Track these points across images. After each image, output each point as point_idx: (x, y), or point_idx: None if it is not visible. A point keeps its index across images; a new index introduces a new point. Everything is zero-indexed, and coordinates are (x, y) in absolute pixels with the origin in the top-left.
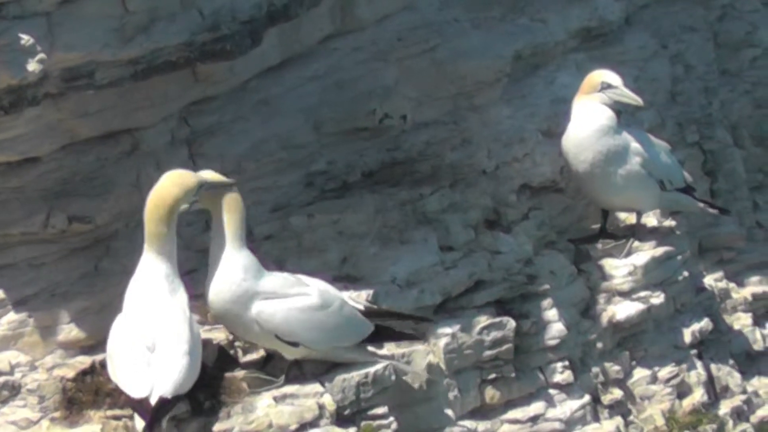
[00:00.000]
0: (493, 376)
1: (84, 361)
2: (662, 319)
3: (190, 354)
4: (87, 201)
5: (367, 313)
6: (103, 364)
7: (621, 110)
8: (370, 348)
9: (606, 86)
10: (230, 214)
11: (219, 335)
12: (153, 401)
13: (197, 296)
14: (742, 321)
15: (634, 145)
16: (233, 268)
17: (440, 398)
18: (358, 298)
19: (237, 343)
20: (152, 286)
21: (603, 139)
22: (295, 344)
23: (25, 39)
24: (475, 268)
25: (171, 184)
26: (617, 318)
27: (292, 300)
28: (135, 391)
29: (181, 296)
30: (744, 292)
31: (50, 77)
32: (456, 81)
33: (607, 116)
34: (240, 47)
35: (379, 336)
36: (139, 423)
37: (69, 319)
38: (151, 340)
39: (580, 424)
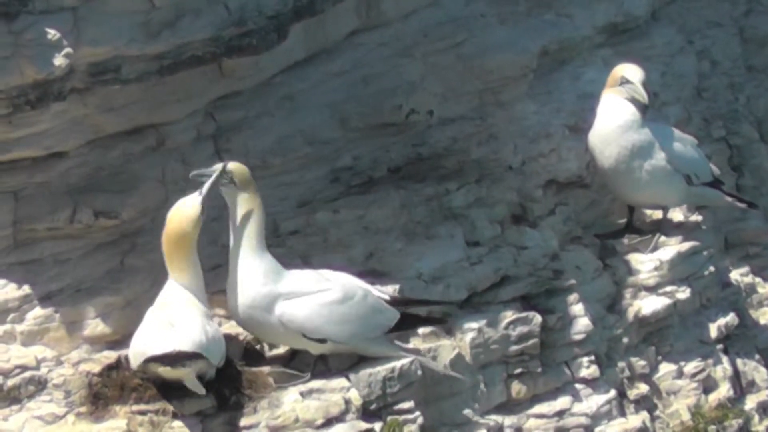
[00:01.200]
0: (519, 370)
1: (109, 356)
2: (688, 314)
3: (209, 330)
4: (113, 196)
5: (393, 302)
6: (128, 359)
7: (647, 105)
8: (398, 342)
9: (625, 81)
10: (247, 214)
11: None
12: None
13: (222, 291)
14: (767, 316)
15: (659, 141)
16: (252, 274)
17: (466, 393)
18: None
19: None
20: (173, 301)
21: (627, 134)
22: (322, 341)
23: (52, 33)
24: (500, 263)
25: (181, 218)
26: (643, 313)
27: (314, 297)
28: (158, 350)
29: (202, 306)
30: None
31: (76, 72)
32: (482, 76)
33: (630, 111)
34: (266, 42)
35: (406, 323)
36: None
37: (95, 314)
38: (171, 320)
39: (606, 419)
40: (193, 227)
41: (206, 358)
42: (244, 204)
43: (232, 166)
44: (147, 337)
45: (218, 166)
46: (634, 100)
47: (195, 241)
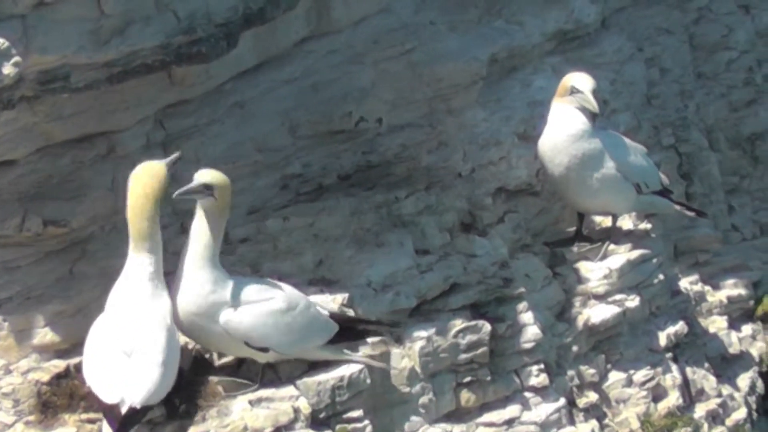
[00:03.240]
0: (468, 379)
1: (59, 364)
2: (637, 322)
3: (165, 364)
4: (62, 204)
5: (332, 317)
6: (78, 368)
7: (597, 114)
8: (345, 351)
9: (575, 90)
10: (211, 224)
11: None
12: (123, 410)
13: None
14: (717, 324)
15: (610, 149)
16: (199, 282)
17: (415, 401)
18: (333, 302)
19: None
20: (136, 288)
21: (578, 143)
22: (265, 350)
23: (0, 42)
24: (450, 271)
25: (147, 176)
26: (592, 321)
27: (259, 306)
28: (107, 396)
29: (164, 301)
30: (719, 295)
31: (26, 80)
32: (432, 84)
33: (581, 120)
34: (215, 50)
35: (345, 335)
36: (107, 429)
37: (44, 322)
38: (129, 346)
39: (556, 428)
40: (160, 184)
41: (154, 404)
42: (213, 214)
43: (214, 179)
44: (98, 366)
45: (200, 180)
46: (583, 109)
47: (158, 205)
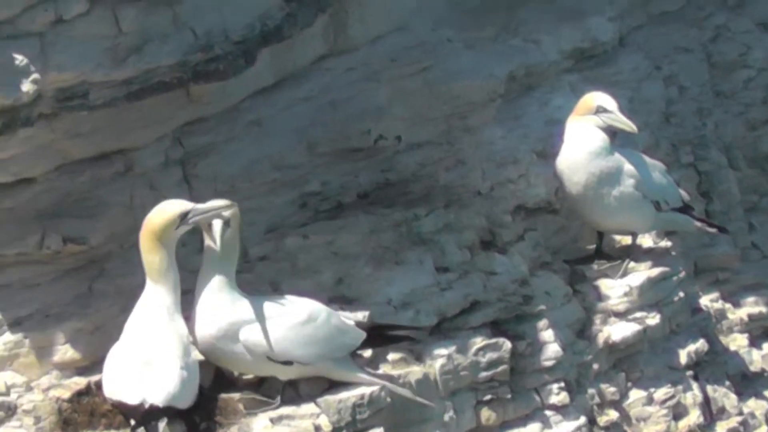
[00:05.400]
0: (488, 397)
1: (79, 382)
2: (658, 340)
3: (185, 371)
4: (81, 222)
5: (359, 326)
6: (98, 385)
7: (615, 132)
8: (367, 369)
9: (602, 110)
10: (224, 249)
11: None
12: (145, 407)
13: (187, 318)
14: (737, 342)
15: (628, 167)
16: (216, 304)
17: (436, 419)
18: (353, 320)
19: None
20: (152, 315)
21: (596, 161)
22: (288, 363)
23: (19, 59)
24: (470, 289)
25: (155, 213)
26: (613, 339)
27: (278, 319)
28: (129, 398)
29: (181, 326)
30: (740, 313)
31: (44, 97)
32: (449, 102)
33: (600, 138)
34: (233, 68)
35: (373, 342)
36: None
37: (64, 340)
38: (148, 357)
39: None
40: (166, 223)
41: (178, 407)
42: (226, 238)
43: (232, 213)
44: (118, 374)
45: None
46: (604, 128)
47: (169, 241)
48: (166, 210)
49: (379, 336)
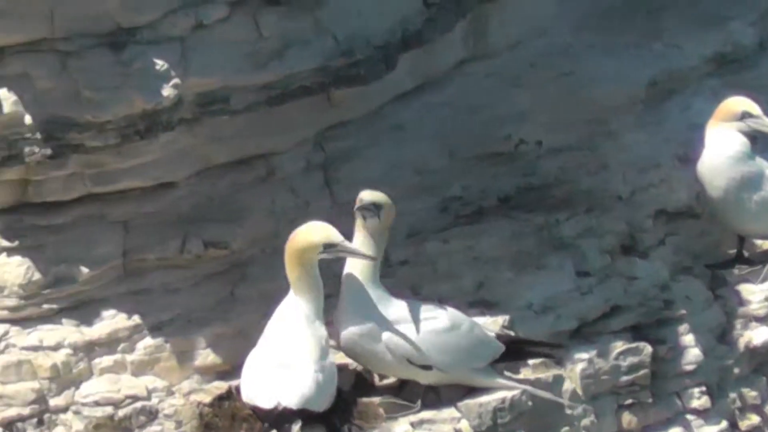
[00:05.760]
0: (629, 401)
1: (220, 386)
2: None
3: (322, 374)
4: (222, 226)
5: (498, 337)
6: (239, 389)
7: (757, 137)
8: (507, 373)
9: (747, 115)
10: (373, 246)
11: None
12: (279, 410)
13: (329, 324)
14: None
15: None
16: (363, 303)
17: (577, 424)
18: (493, 324)
19: None
20: (291, 322)
21: (737, 166)
22: (427, 368)
23: (159, 64)
24: (611, 293)
25: (302, 234)
26: (754, 343)
27: (422, 324)
28: (264, 402)
29: (321, 332)
30: None
31: (185, 102)
32: (590, 106)
33: (742, 143)
34: (374, 72)
35: (511, 356)
36: None
37: (205, 344)
38: (284, 360)
39: None
40: (308, 247)
41: (312, 411)
42: (374, 235)
43: (384, 200)
44: (255, 377)
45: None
46: (751, 132)
47: (310, 260)
48: (313, 235)
49: (516, 350)
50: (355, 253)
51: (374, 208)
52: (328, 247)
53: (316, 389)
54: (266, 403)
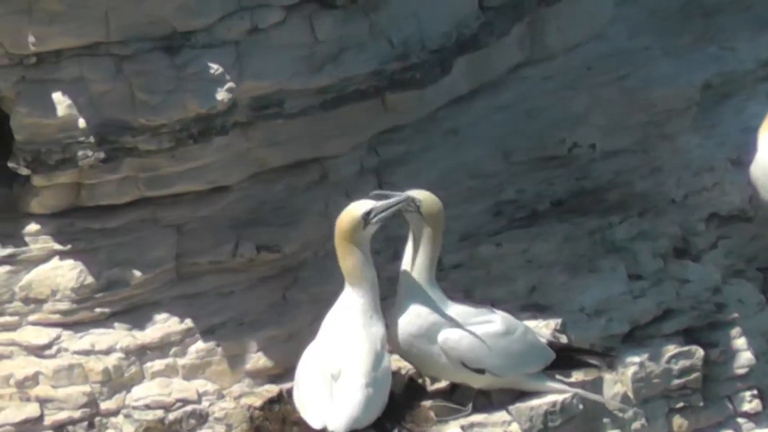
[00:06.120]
0: (680, 404)
1: (271, 389)
2: None
3: (372, 387)
4: (275, 230)
5: (550, 344)
6: (290, 393)
7: None
8: (558, 376)
9: None
10: (425, 245)
11: (408, 364)
12: None
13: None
14: None
15: None
16: (420, 304)
17: (628, 427)
18: (545, 327)
19: None
20: (348, 318)
21: None
22: (480, 371)
23: (214, 68)
24: (663, 296)
25: (341, 217)
26: None
27: (477, 327)
28: (312, 421)
29: (376, 329)
30: None
31: (239, 106)
32: (646, 109)
33: None
34: (429, 76)
35: (562, 364)
36: None
37: (257, 348)
38: (336, 368)
39: None
40: (351, 225)
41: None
42: (425, 235)
43: (422, 196)
44: (306, 391)
45: (402, 195)
46: None
47: (359, 243)
48: (350, 212)
49: (567, 358)
50: (390, 206)
51: (411, 201)
52: (367, 216)
53: (365, 407)
54: (313, 422)
